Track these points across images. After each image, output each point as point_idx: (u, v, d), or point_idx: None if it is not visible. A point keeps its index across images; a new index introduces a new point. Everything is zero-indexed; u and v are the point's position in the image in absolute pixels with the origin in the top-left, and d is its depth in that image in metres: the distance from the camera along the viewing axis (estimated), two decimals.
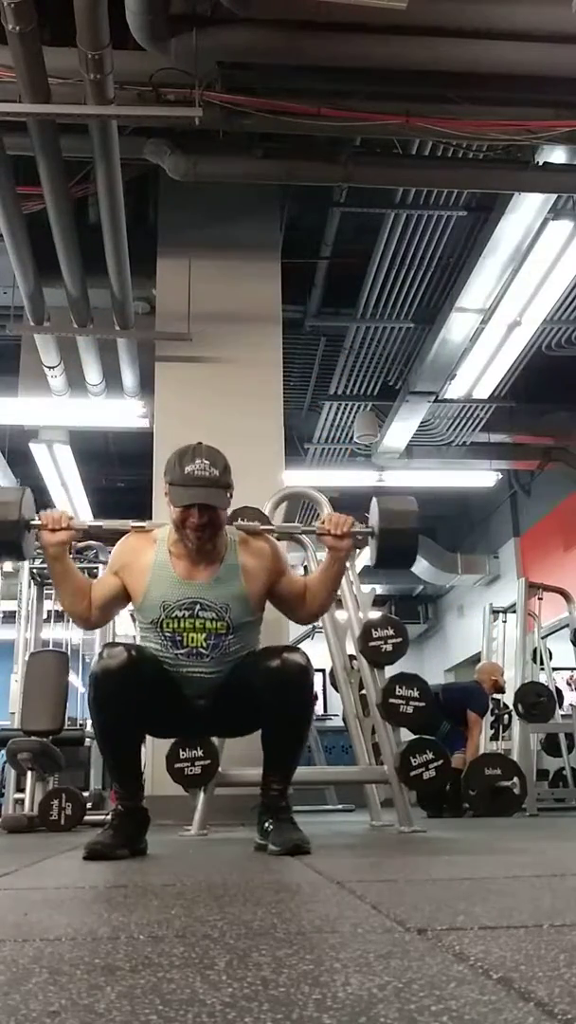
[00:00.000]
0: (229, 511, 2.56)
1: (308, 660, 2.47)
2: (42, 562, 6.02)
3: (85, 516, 9.07)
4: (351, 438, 8.75)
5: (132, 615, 2.78)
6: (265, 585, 2.58)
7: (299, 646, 2.61)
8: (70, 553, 2.63)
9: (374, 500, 2.72)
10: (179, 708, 2.54)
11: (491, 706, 6.73)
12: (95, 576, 5.98)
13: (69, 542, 2.53)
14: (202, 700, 2.53)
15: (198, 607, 2.47)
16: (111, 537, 2.74)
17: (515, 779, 4.53)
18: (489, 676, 6.58)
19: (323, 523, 2.64)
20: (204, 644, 2.47)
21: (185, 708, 2.54)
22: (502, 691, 6.72)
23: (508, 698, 6.72)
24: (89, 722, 5.70)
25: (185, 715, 2.57)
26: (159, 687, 2.46)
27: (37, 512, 2.54)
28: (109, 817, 2.55)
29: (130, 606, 2.65)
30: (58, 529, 2.48)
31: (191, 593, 2.48)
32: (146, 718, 2.49)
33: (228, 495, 2.48)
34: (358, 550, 4.55)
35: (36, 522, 2.51)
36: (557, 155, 5.02)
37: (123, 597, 2.57)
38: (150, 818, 2.53)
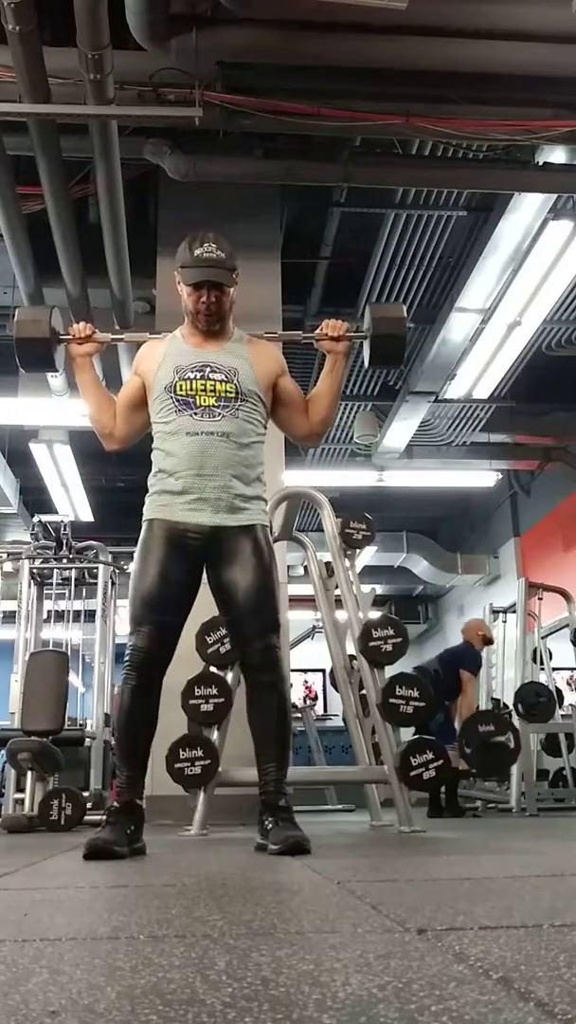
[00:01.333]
0: (234, 291, 2.67)
1: (278, 631, 2.56)
2: (43, 562, 6.04)
3: (85, 516, 9.08)
4: (351, 438, 8.75)
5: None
6: (270, 371, 2.70)
7: (275, 606, 2.61)
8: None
9: (367, 306, 2.98)
10: (189, 564, 2.54)
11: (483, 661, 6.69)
12: (94, 577, 6.01)
13: (95, 352, 2.80)
14: (209, 529, 2.51)
15: (208, 369, 2.59)
16: (133, 343, 2.97)
17: (509, 734, 4.55)
18: (476, 632, 6.57)
19: (320, 329, 2.81)
20: (215, 404, 2.56)
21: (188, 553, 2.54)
22: (491, 643, 6.72)
23: (508, 698, 6.72)
24: (90, 722, 5.76)
25: (194, 563, 2.56)
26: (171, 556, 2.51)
27: (65, 328, 2.79)
28: (105, 815, 2.55)
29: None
30: (84, 341, 2.74)
31: (202, 358, 2.62)
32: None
33: (234, 276, 2.62)
34: (358, 550, 4.56)
35: (65, 336, 2.76)
36: (557, 155, 5.03)
37: (144, 398, 2.69)
38: (145, 816, 2.53)
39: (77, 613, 6.14)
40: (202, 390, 2.56)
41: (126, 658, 2.48)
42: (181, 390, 2.57)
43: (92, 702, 5.74)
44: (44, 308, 2.90)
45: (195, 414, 2.55)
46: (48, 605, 6.13)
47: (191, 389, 2.56)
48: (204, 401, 2.56)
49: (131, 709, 2.49)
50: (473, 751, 4.57)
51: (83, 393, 2.80)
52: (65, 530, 6.13)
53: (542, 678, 7.21)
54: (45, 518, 6.59)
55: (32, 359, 2.81)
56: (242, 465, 2.58)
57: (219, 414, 2.55)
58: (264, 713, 2.54)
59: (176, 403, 2.57)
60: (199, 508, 2.53)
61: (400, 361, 3.12)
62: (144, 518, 2.60)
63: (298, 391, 2.78)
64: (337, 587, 4.33)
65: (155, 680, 2.49)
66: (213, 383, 2.57)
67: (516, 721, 6.14)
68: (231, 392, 2.57)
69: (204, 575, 2.61)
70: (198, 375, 2.58)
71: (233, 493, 2.55)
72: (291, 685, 2.78)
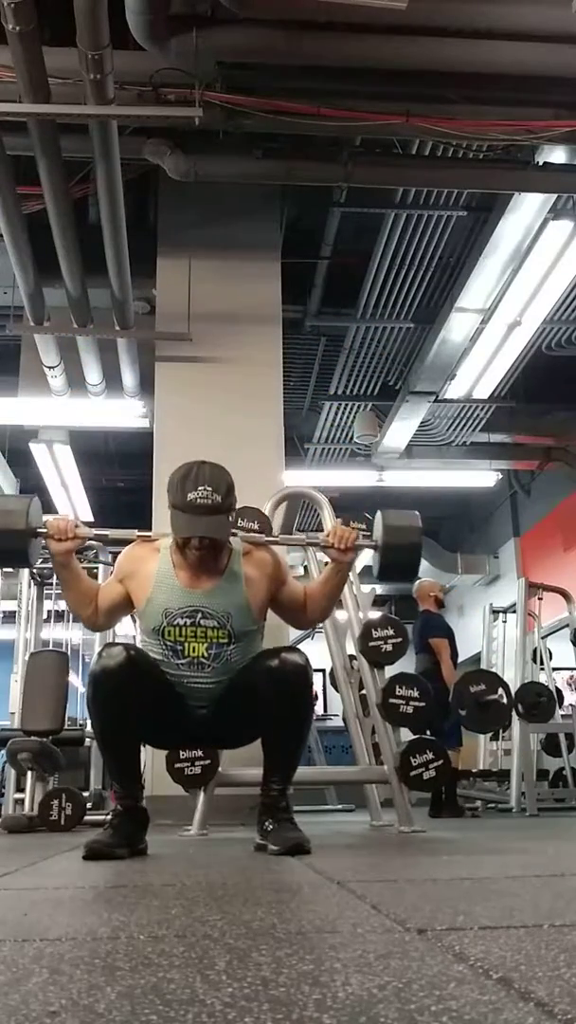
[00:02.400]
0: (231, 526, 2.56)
1: (307, 660, 2.48)
2: (43, 561, 6.03)
3: (85, 516, 9.07)
4: (351, 438, 8.75)
5: (133, 616, 2.78)
6: (267, 594, 2.59)
7: (298, 647, 2.61)
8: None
9: (378, 514, 2.75)
10: (178, 717, 2.53)
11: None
12: (95, 577, 6.01)
13: (75, 549, 2.56)
14: (203, 710, 2.53)
15: (200, 615, 2.47)
16: (115, 543, 2.75)
17: (500, 691, 4.56)
18: (428, 595, 6.53)
19: (327, 536, 2.66)
20: (205, 654, 2.46)
21: (185, 717, 2.53)
22: (442, 606, 6.69)
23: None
24: (89, 722, 5.75)
25: (185, 724, 2.56)
26: (159, 694, 2.46)
27: (43, 522, 2.58)
28: (108, 817, 2.55)
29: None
30: (64, 539, 2.51)
31: (193, 601, 2.48)
32: (145, 726, 2.49)
33: (230, 519, 2.50)
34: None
35: (43, 530, 2.53)
36: (557, 155, 5.02)
37: (127, 604, 2.59)
38: (149, 817, 2.53)
39: None
40: (192, 637, 2.46)
41: (90, 676, 2.39)
42: (170, 636, 2.46)
43: None
44: (23, 500, 2.59)
45: (182, 665, 2.47)
46: (48, 605, 6.13)
47: (180, 636, 2.46)
48: (193, 650, 2.46)
49: (104, 726, 2.43)
50: (468, 712, 4.59)
51: (64, 589, 2.66)
52: None
53: (542, 678, 7.21)
54: (45, 518, 6.58)
55: (4, 556, 2.63)
56: (231, 676, 2.52)
57: (209, 665, 2.47)
58: (283, 720, 2.47)
59: (164, 648, 2.47)
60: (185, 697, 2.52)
61: (413, 576, 2.89)
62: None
63: (296, 596, 2.67)
64: None
65: (121, 690, 2.35)
66: (204, 630, 2.46)
67: (516, 724, 6.15)
68: (224, 638, 2.47)
69: None
70: (188, 622, 2.46)
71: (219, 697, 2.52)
72: (316, 701, 2.72)
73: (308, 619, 2.75)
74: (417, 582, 7.09)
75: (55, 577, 5.98)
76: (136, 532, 2.67)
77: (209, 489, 2.39)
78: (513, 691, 6.32)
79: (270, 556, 2.64)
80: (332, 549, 2.61)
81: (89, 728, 5.53)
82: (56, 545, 2.51)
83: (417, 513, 2.74)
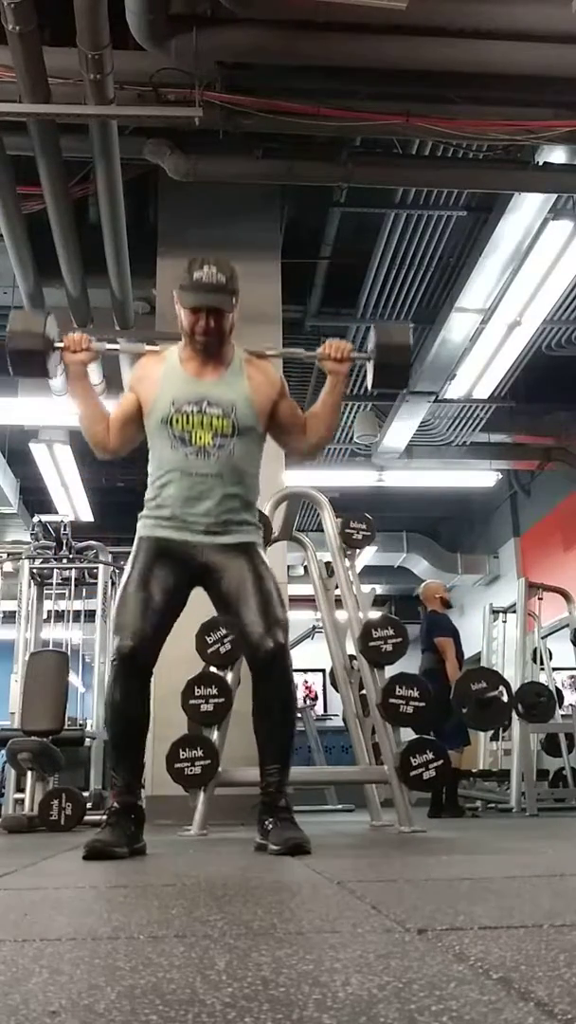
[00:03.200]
0: (235, 315, 2.63)
1: (286, 630, 2.52)
2: (43, 562, 6.03)
3: (86, 516, 9.08)
4: (351, 438, 8.75)
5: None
6: (268, 397, 2.66)
7: (280, 610, 2.60)
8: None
9: (372, 327, 2.91)
10: (183, 577, 2.55)
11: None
12: (94, 577, 6.01)
13: (89, 362, 2.71)
14: (202, 544, 2.52)
15: (205, 403, 2.56)
16: (129, 351, 3.02)
17: (501, 687, 4.56)
18: (434, 596, 6.56)
19: (323, 349, 2.77)
20: (211, 442, 2.54)
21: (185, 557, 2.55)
22: (450, 605, 6.70)
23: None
24: (90, 722, 5.76)
25: (188, 576, 2.57)
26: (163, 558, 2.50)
27: (60, 335, 2.72)
28: (105, 816, 2.55)
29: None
30: (79, 350, 2.67)
31: (199, 389, 2.57)
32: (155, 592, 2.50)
33: (234, 300, 2.58)
34: (358, 550, 4.56)
35: (59, 344, 2.69)
36: (557, 155, 5.03)
37: (138, 414, 2.66)
38: (145, 816, 2.53)
39: (77, 613, 6.14)
40: (199, 425, 2.54)
41: (111, 664, 2.47)
42: (177, 424, 2.54)
43: (92, 702, 5.73)
44: (39, 314, 2.82)
45: (190, 453, 2.53)
46: (48, 605, 6.13)
47: (188, 424, 2.54)
48: (200, 439, 2.53)
49: (118, 715, 2.46)
50: (469, 711, 4.59)
51: (76, 403, 2.76)
52: (65, 530, 6.13)
53: (542, 678, 7.20)
54: (45, 518, 6.59)
55: (25, 368, 2.77)
56: (235, 499, 2.59)
57: (214, 455, 2.53)
58: (270, 713, 2.51)
59: (172, 438, 2.54)
60: (191, 530, 2.55)
61: (404, 385, 3.08)
62: (136, 536, 2.61)
63: (296, 412, 2.75)
64: (337, 587, 4.33)
65: (138, 684, 2.44)
66: (210, 418, 2.54)
67: (516, 724, 6.15)
68: (228, 429, 2.55)
69: (201, 590, 2.61)
70: (195, 408, 2.54)
71: (223, 520, 2.56)
72: (296, 687, 2.74)
73: (307, 441, 2.78)
74: (423, 583, 7.10)
75: (55, 577, 6.01)
76: (145, 346, 2.83)
77: (215, 268, 2.52)
78: (513, 691, 6.34)
79: (271, 369, 2.76)
80: (329, 360, 2.73)
81: (89, 728, 5.55)
82: (71, 356, 2.68)
83: (409, 325, 2.95)
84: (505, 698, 4.63)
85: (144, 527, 2.61)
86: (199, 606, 2.64)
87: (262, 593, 2.53)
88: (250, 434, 2.61)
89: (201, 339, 2.56)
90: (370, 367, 2.84)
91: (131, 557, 2.60)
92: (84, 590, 6.07)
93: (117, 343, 2.91)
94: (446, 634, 6.27)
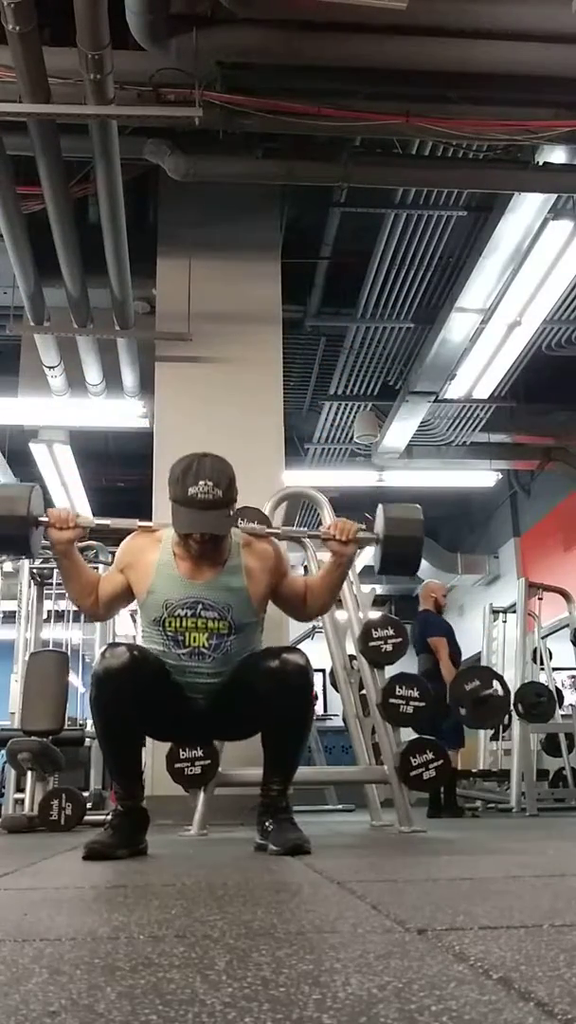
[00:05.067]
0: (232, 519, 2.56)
1: (307, 660, 2.48)
2: (43, 562, 6.03)
3: (86, 515, 9.06)
4: (351, 438, 8.75)
5: (132, 615, 2.81)
6: (267, 586, 2.60)
7: (299, 647, 2.61)
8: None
9: (380, 507, 2.75)
10: (181, 710, 2.54)
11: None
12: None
13: (76, 540, 2.56)
14: (204, 702, 2.54)
15: (200, 607, 2.48)
16: (116, 536, 2.76)
17: (495, 684, 4.56)
18: (429, 595, 6.58)
19: (328, 529, 2.66)
20: (206, 644, 2.47)
21: (186, 709, 2.55)
22: (440, 611, 6.71)
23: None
24: (89, 722, 5.74)
25: (187, 717, 2.57)
26: (161, 688, 2.47)
27: (45, 510, 2.59)
28: (108, 817, 2.55)
29: (134, 604, 2.66)
30: (65, 528, 2.51)
31: (194, 592, 2.48)
32: (148, 719, 2.50)
33: (231, 513, 2.49)
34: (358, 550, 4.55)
35: (44, 519, 2.54)
36: (557, 155, 5.02)
37: (128, 594, 2.60)
38: (149, 818, 2.53)
39: (77, 613, 6.12)
40: (192, 628, 2.47)
41: (93, 676, 2.40)
42: (170, 627, 2.48)
43: None
44: (24, 488, 2.61)
45: (184, 655, 2.48)
46: (48, 605, 6.13)
47: (181, 627, 2.47)
48: (194, 640, 2.47)
49: (106, 725, 2.43)
50: (466, 710, 4.59)
51: (65, 579, 2.67)
52: None
53: (542, 678, 7.21)
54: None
55: (5, 545, 2.64)
56: (232, 667, 2.54)
57: (209, 656, 2.48)
58: (284, 736, 2.48)
59: (165, 638, 2.49)
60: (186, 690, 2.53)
61: (414, 569, 2.87)
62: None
63: (296, 589, 2.68)
64: None
65: (124, 690, 2.36)
66: (205, 620, 2.47)
67: (516, 724, 6.15)
68: (224, 629, 2.49)
69: None
70: (189, 613, 2.47)
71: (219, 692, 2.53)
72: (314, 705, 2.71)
73: (308, 612, 2.75)
74: (424, 581, 7.10)
75: (55, 577, 6.01)
76: (137, 522, 2.68)
77: (210, 483, 2.38)
78: (513, 691, 6.34)
79: (271, 548, 2.65)
80: (333, 541, 2.61)
81: (89, 728, 5.54)
82: (57, 534, 2.52)
83: (419, 507, 2.74)
84: (501, 693, 4.63)
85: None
86: None
87: (267, 650, 2.53)
88: (248, 628, 2.55)
89: (196, 548, 2.46)
90: (377, 550, 2.71)
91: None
92: None
93: (107, 522, 2.65)
94: (439, 633, 6.27)
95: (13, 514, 2.47)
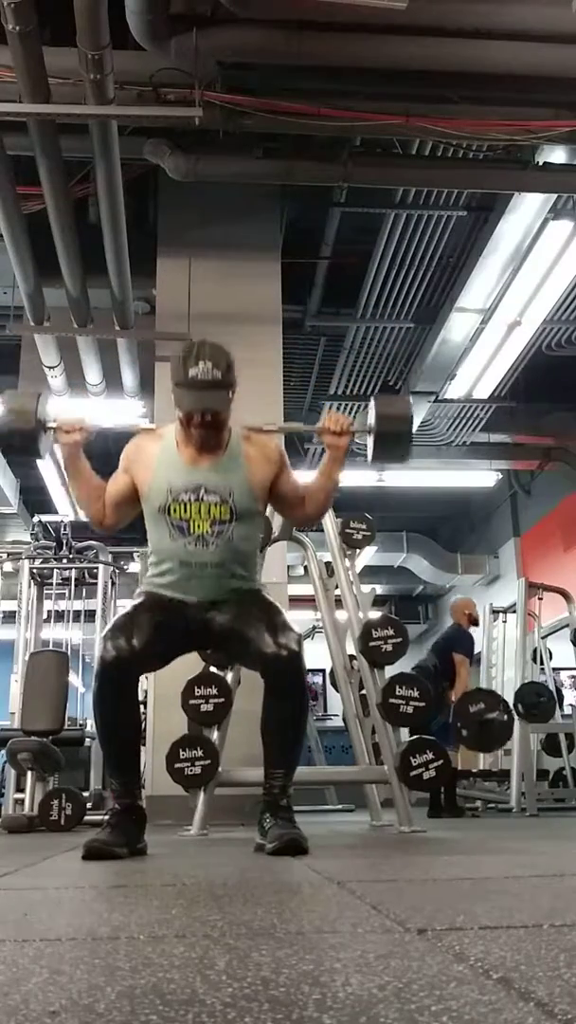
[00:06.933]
0: (232, 406, 2.60)
1: (300, 642, 2.50)
2: (43, 562, 6.04)
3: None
4: None
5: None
6: (267, 476, 2.64)
7: (291, 627, 2.60)
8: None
9: (372, 400, 2.86)
10: (182, 626, 2.56)
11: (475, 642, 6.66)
12: (94, 577, 6.01)
13: (84, 442, 2.65)
14: (204, 611, 2.54)
15: (203, 490, 2.53)
16: (122, 434, 2.86)
17: (500, 708, 4.57)
18: (463, 611, 6.57)
19: (324, 422, 2.74)
20: (209, 530, 2.52)
21: (189, 626, 2.57)
22: (477, 623, 6.71)
23: (508, 698, 6.71)
24: (90, 722, 5.75)
25: (188, 630, 2.59)
26: (163, 629, 2.50)
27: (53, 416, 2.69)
28: (107, 816, 2.55)
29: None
30: (73, 431, 2.62)
31: (196, 477, 2.54)
32: (155, 654, 2.51)
33: (230, 394, 2.55)
34: (358, 550, 4.56)
35: (52, 424, 2.64)
36: (557, 155, 5.03)
37: (134, 496, 2.64)
38: (147, 816, 2.53)
39: (77, 613, 6.14)
40: (196, 514, 2.51)
41: (95, 672, 2.43)
42: (175, 513, 2.51)
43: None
44: (31, 394, 2.72)
45: (189, 543, 2.51)
46: (48, 605, 6.13)
47: (185, 513, 2.51)
48: (198, 527, 2.51)
49: (106, 720, 2.45)
50: (469, 732, 4.60)
51: (72, 483, 2.73)
52: (65, 530, 6.14)
53: (542, 678, 7.20)
54: (45, 518, 6.59)
55: (16, 448, 2.72)
56: (235, 579, 2.57)
57: (213, 543, 2.51)
58: (282, 728, 2.49)
59: (170, 527, 2.52)
60: (194, 596, 2.56)
61: (405, 459, 2.99)
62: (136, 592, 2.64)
63: (296, 486, 2.72)
64: (337, 587, 4.33)
65: (122, 690, 2.41)
66: (208, 505, 2.52)
67: (516, 724, 6.14)
68: (226, 515, 2.52)
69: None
70: (192, 497, 2.52)
71: (224, 595, 2.57)
72: (309, 697, 2.72)
73: (305, 512, 2.78)
74: (453, 599, 7.10)
75: (55, 577, 6.02)
76: (140, 424, 2.80)
77: (210, 364, 2.45)
78: (513, 691, 6.34)
79: (270, 444, 2.73)
80: (329, 434, 2.70)
81: (89, 728, 5.55)
82: (65, 437, 2.62)
83: (408, 399, 2.86)
84: (506, 718, 4.64)
85: (146, 586, 2.63)
86: None
87: (270, 615, 2.53)
88: (249, 516, 2.58)
89: (197, 433, 2.52)
90: (370, 440, 2.80)
91: (131, 605, 2.61)
92: (84, 590, 6.08)
93: (111, 424, 2.79)
94: (464, 652, 6.28)
95: (24, 418, 2.59)
